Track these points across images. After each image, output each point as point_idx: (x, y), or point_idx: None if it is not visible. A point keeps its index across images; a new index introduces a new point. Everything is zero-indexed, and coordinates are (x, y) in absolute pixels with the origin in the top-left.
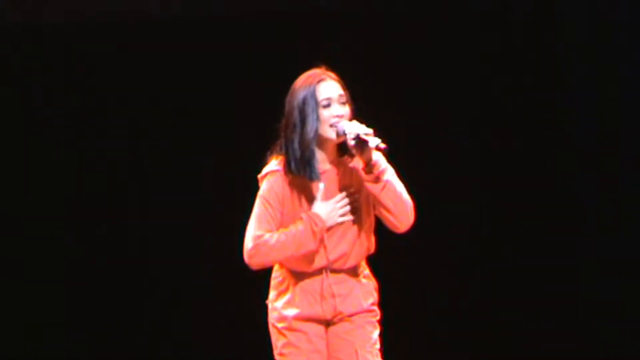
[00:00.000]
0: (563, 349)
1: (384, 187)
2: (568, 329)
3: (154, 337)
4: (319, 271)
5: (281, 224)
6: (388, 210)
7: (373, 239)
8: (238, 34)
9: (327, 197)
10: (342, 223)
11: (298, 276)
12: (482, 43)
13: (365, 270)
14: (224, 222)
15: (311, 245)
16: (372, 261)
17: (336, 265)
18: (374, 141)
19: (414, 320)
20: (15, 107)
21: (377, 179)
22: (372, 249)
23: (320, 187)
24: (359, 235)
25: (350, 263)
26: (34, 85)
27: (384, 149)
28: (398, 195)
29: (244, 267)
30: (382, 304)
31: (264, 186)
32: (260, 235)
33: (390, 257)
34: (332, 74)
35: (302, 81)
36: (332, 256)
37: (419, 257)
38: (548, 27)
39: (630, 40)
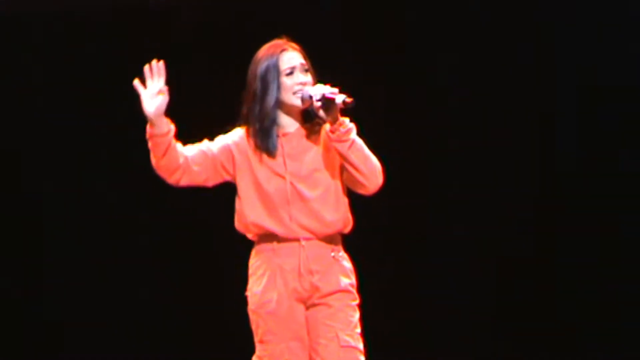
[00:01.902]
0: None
1: (351, 145)
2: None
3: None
4: (294, 245)
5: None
6: (357, 169)
7: (347, 210)
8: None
9: (289, 159)
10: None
11: (275, 257)
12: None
13: (342, 251)
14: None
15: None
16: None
17: (309, 230)
18: (339, 97)
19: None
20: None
21: (344, 137)
22: (349, 224)
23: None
24: (326, 199)
25: (324, 229)
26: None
27: (351, 102)
28: (366, 155)
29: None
30: (370, 292)
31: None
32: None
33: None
34: (294, 44)
35: (265, 51)
36: (306, 222)
37: (415, 258)
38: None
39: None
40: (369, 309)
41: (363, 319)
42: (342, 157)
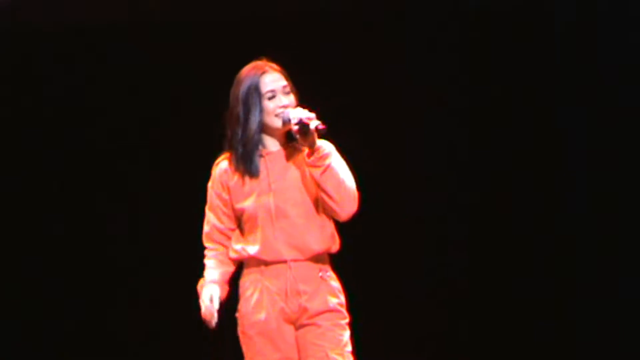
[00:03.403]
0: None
1: (324, 171)
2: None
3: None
4: (282, 266)
5: (231, 205)
6: (329, 195)
7: (333, 229)
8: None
9: (273, 178)
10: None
11: (263, 278)
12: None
13: (330, 271)
14: None
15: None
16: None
17: (296, 248)
18: (313, 123)
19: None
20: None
21: (318, 163)
22: (336, 243)
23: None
24: (311, 217)
25: (310, 249)
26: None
27: (323, 129)
28: (340, 181)
29: None
30: (358, 308)
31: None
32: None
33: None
34: (275, 65)
35: (245, 74)
36: (292, 241)
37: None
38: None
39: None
40: (361, 326)
41: (355, 336)
42: (315, 181)
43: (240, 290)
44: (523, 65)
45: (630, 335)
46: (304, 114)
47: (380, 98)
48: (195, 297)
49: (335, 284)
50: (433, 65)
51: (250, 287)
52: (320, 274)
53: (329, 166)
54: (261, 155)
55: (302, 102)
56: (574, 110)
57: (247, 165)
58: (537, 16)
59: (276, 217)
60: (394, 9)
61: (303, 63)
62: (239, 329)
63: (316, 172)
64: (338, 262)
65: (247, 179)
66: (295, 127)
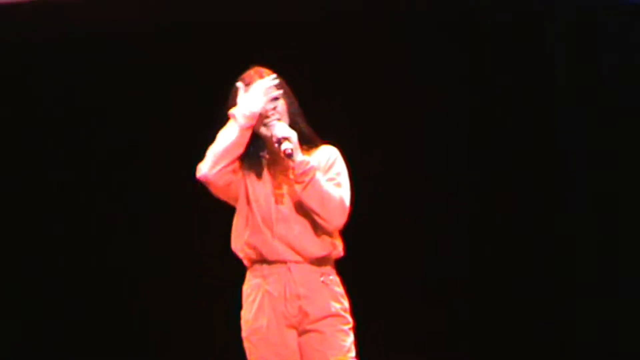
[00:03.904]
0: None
1: (305, 187)
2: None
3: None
4: (283, 269)
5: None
6: (312, 209)
7: (335, 235)
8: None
9: (275, 181)
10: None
11: (264, 283)
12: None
13: (332, 275)
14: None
15: (235, 133)
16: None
17: (294, 250)
18: (284, 145)
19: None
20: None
21: (299, 179)
22: (337, 249)
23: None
24: (311, 222)
25: (309, 253)
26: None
27: (288, 154)
28: (323, 197)
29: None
30: (358, 309)
31: None
32: None
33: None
34: (266, 73)
35: (236, 85)
36: (291, 244)
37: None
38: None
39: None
40: (361, 327)
41: (356, 337)
42: (300, 195)
43: (243, 296)
44: (523, 65)
45: (630, 335)
46: (281, 132)
47: (380, 98)
48: (193, 296)
49: (339, 288)
50: (433, 65)
51: (252, 293)
52: (322, 278)
53: (310, 182)
54: (265, 158)
55: (302, 103)
56: (574, 110)
57: (244, 167)
58: (537, 16)
59: (276, 220)
60: (394, 9)
61: (303, 63)
62: (242, 334)
63: (298, 187)
64: (337, 262)
65: (249, 181)
66: (276, 145)
